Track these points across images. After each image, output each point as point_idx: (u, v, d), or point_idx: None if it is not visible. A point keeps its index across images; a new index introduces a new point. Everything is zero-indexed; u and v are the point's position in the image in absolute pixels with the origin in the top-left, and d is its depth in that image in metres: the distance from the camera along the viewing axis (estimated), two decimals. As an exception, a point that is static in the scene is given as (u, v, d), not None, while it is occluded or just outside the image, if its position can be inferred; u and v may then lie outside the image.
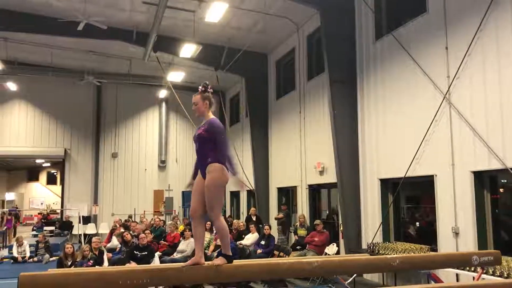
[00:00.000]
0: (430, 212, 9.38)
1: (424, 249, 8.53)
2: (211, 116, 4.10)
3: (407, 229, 10.30)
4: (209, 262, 3.81)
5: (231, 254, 3.81)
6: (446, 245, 8.34)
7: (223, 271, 3.71)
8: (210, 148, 3.92)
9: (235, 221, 14.75)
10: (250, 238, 12.40)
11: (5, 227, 17.92)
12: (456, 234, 8.12)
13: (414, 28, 9.44)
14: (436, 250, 8.50)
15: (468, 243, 7.83)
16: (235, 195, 21.07)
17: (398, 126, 9.83)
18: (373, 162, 10.69)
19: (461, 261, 4.86)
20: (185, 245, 11.64)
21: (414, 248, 8.64)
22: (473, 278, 6.97)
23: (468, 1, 8.10)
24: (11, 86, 18.81)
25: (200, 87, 4.15)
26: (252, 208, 15.88)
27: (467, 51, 7.96)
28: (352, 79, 11.36)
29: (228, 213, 20.63)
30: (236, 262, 3.85)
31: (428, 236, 9.22)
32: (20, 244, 14.26)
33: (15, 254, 14.01)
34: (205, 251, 11.63)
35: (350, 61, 11.41)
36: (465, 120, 8.00)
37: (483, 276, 6.21)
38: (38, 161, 30.38)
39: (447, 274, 7.58)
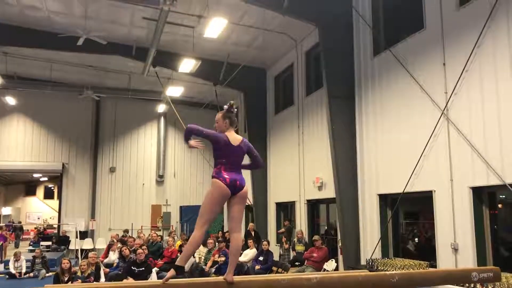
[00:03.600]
0: (429, 227, 9.35)
1: (423, 265, 8.49)
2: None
3: (406, 245, 10.26)
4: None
5: (183, 266, 3.82)
6: (445, 261, 8.29)
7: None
8: (215, 162, 4.05)
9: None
10: (248, 254, 12.32)
11: (1, 243, 17.75)
12: (455, 250, 8.08)
13: (412, 44, 9.52)
14: (435, 266, 8.46)
15: (467, 259, 7.79)
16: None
17: (397, 141, 9.84)
18: (371, 177, 10.69)
19: (460, 278, 4.83)
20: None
21: (413, 264, 8.59)
22: (473, 294, 6.92)
23: (465, 18, 8.18)
24: (10, 100, 18.82)
25: (225, 106, 4.23)
26: (251, 224, 15.82)
27: (464, 67, 8.01)
28: (350, 94, 11.41)
29: (226, 229, 20.51)
30: (234, 278, 3.81)
31: (427, 252, 9.17)
32: (17, 259, 14.12)
33: (11, 269, 13.86)
34: (203, 266, 11.54)
35: (348, 76, 11.47)
36: (463, 136, 8.02)
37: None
38: (35, 175, 30.23)
39: (446, 291, 7.52)
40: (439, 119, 8.56)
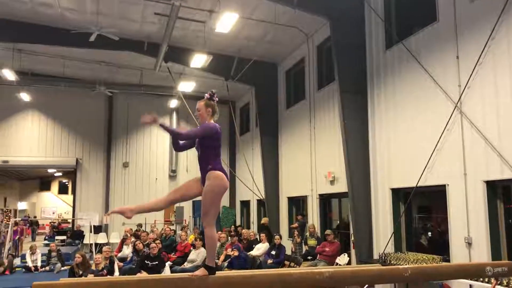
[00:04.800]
0: (442, 222, 9.29)
1: (437, 260, 8.45)
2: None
3: (419, 239, 10.21)
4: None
5: (214, 266, 3.75)
6: (458, 255, 8.25)
7: (233, 282, 3.70)
8: (210, 154, 3.92)
9: (244, 230, 14.71)
10: (260, 248, 12.36)
11: (18, 236, 18.04)
12: (469, 244, 8.03)
13: (425, 37, 9.43)
14: (448, 261, 8.41)
15: (482, 254, 7.74)
16: (245, 204, 21.06)
17: (409, 135, 9.78)
18: (384, 172, 10.64)
19: (475, 272, 4.81)
20: (196, 255, 11.64)
21: (426, 258, 8.55)
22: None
23: (479, 10, 8.08)
24: (25, 96, 19.04)
25: (206, 94, 4.13)
26: (265, 218, 15.77)
27: (478, 60, 7.92)
28: (362, 88, 11.34)
29: (238, 223, 20.60)
30: (246, 272, 3.84)
31: (441, 246, 9.12)
32: (33, 252, 14.37)
33: (28, 262, 14.10)
34: (216, 260, 11.62)
35: (360, 70, 11.40)
36: (477, 129, 7.94)
37: (497, 287, 6.12)
38: (50, 170, 30.65)
39: (460, 285, 7.49)
40: (453, 112, 8.48)
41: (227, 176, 3.91)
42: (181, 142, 4.08)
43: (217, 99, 4.14)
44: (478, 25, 8.05)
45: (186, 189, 4.03)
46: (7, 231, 16.31)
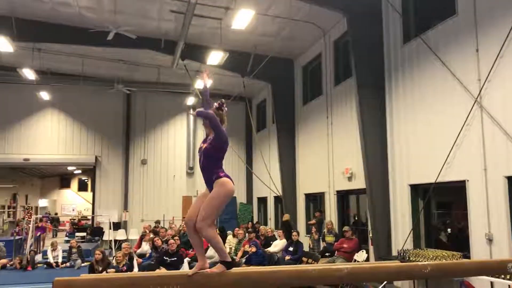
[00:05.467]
0: (462, 218, 9.17)
1: (456, 256, 8.35)
2: None
3: (438, 236, 10.10)
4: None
5: (230, 260, 3.74)
6: (479, 252, 8.14)
7: (252, 278, 3.71)
8: (215, 164, 3.87)
9: (262, 227, 14.72)
10: (278, 245, 12.37)
11: (39, 233, 18.37)
12: (490, 240, 7.91)
13: (443, 30, 9.29)
14: (468, 257, 8.31)
15: (503, 250, 7.62)
16: (262, 201, 21.08)
17: (428, 130, 9.66)
18: (402, 168, 10.54)
19: (496, 269, 4.73)
20: (213, 251, 11.67)
21: (446, 255, 8.45)
22: (509, 286, 6.78)
23: (499, 2, 7.93)
24: (44, 95, 19.34)
25: (216, 103, 4.06)
26: (286, 214, 15.63)
27: (499, 53, 7.78)
28: (380, 83, 11.24)
29: (255, 220, 20.64)
30: (265, 268, 3.85)
31: (460, 242, 9.01)
32: (54, 249, 14.63)
33: (50, 258, 14.37)
34: (233, 257, 11.66)
35: (378, 65, 11.29)
36: (497, 124, 7.81)
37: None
38: (69, 168, 31.08)
39: (480, 282, 7.40)
40: (472, 107, 8.35)
41: (233, 181, 3.88)
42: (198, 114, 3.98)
43: (226, 109, 4.08)
44: (499, 16, 7.90)
45: (200, 203, 3.88)
46: (29, 228, 16.62)
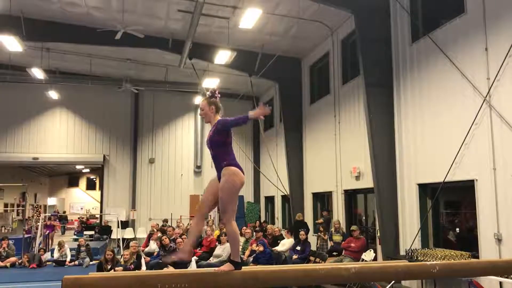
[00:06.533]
0: (470, 217, 9.11)
1: (465, 256, 8.30)
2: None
3: (446, 235, 10.04)
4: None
5: (239, 260, 3.74)
6: (488, 251, 8.08)
7: (260, 277, 3.71)
8: (224, 151, 3.88)
9: (269, 226, 14.71)
10: (285, 244, 12.35)
11: (47, 232, 18.50)
12: (499, 240, 7.86)
13: (452, 29, 9.23)
14: (477, 257, 8.25)
15: (512, 250, 7.57)
16: (269, 200, 21.08)
17: (437, 129, 9.61)
18: (410, 167, 10.49)
19: (506, 269, 4.70)
20: (221, 250, 11.71)
21: (454, 254, 8.41)
22: (518, 286, 6.73)
23: (508, 0, 7.86)
24: (53, 94, 19.46)
25: (207, 92, 4.10)
26: (299, 214, 15.51)
27: (508, 51, 7.72)
28: (388, 82, 11.20)
29: (262, 218, 20.63)
30: (272, 267, 3.85)
31: (469, 242, 8.95)
32: (61, 248, 14.72)
33: (56, 256, 14.46)
34: (241, 256, 11.68)
35: (386, 64, 11.25)
36: (506, 123, 7.75)
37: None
38: (78, 167, 31.30)
39: (489, 282, 7.35)
40: (481, 106, 8.29)
41: (243, 171, 3.86)
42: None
43: (219, 95, 4.09)
44: (508, 15, 7.83)
45: (212, 191, 3.92)
46: (38, 226, 16.74)
